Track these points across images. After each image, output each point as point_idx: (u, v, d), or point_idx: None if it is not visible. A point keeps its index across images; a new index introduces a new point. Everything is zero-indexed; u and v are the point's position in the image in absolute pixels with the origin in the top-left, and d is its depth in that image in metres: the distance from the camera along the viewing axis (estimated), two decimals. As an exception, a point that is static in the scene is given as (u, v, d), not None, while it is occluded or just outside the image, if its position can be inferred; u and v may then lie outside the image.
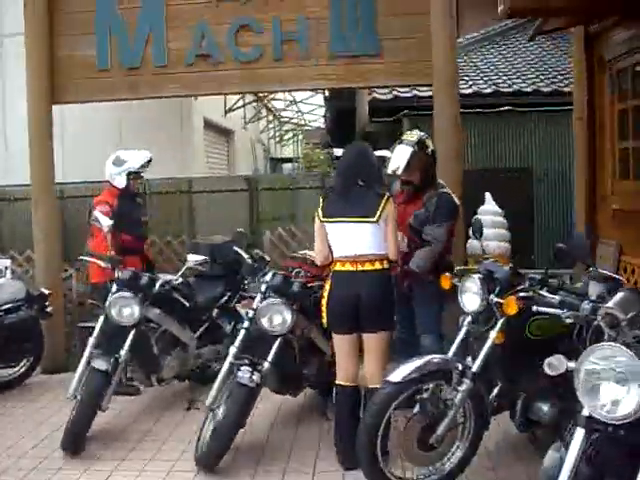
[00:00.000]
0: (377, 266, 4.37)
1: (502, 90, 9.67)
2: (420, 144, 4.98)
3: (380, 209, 4.35)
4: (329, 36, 6.46)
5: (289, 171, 22.37)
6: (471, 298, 4.09)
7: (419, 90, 9.47)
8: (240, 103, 14.22)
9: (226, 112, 13.89)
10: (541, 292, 3.97)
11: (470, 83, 10.13)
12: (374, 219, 4.34)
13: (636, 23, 5.61)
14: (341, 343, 4.50)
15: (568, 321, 3.26)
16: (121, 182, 6.21)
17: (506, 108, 8.69)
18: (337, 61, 6.47)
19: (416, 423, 3.95)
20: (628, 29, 5.74)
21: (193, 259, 5.48)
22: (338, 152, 23.81)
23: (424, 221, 4.90)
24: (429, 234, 4.85)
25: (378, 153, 5.09)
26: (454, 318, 5.85)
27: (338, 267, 4.44)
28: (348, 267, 4.39)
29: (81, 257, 5.72)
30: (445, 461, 4.05)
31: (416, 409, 3.96)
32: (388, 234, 4.41)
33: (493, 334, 4.00)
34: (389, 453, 4.09)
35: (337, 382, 4.54)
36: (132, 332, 5.05)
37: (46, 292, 6.32)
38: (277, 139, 23.12)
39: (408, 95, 9.67)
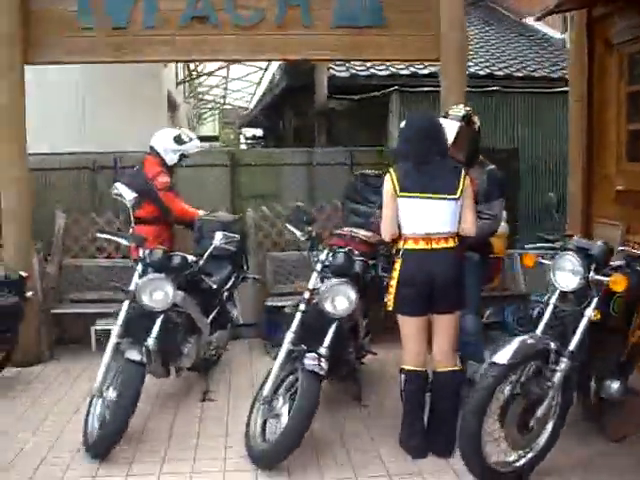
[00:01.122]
0: (450, 243, 4.15)
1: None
2: (467, 119, 4.80)
3: (461, 185, 4.14)
4: (334, 4, 6.14)
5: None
6: (566, 276, 3.99)
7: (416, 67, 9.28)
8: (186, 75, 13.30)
9: (178, 84, 12.94)
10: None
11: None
12: (456, 196, 4.11)
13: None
14: (412, 326, 4.21)
15: None
16: (173, 159, 5.94)
17: (494, 88, 8.71)
18: (341, 31, 6.16)
19: (517, 406, 3.84)
20: (636, 14, 5.82)
21: (220, 238, 5.02)
22: (251, 132, 23.20)
23: (476, 198, 4.73)
24: (487, 212, 4.69)
25: None
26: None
27: (410, 245, 4.14)
28: (422, 245, 4.12)
29: (98, 234, 5.10)
30: (539, 440, 3.94)
31: (508, 391, 3.83)
32: (466, 210, 4.19)
33: (589, 312, 3.93)
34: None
35: (406, 367, 4.26)
36: (160, 318, 4.57)
37: (24, 275, 5.60)
38: (196, 117, 22.20)
39: (366, 74, 9.52)
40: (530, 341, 3.88)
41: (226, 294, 5.59)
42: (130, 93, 8.74)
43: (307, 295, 4.38)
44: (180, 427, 4.76)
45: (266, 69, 14.54)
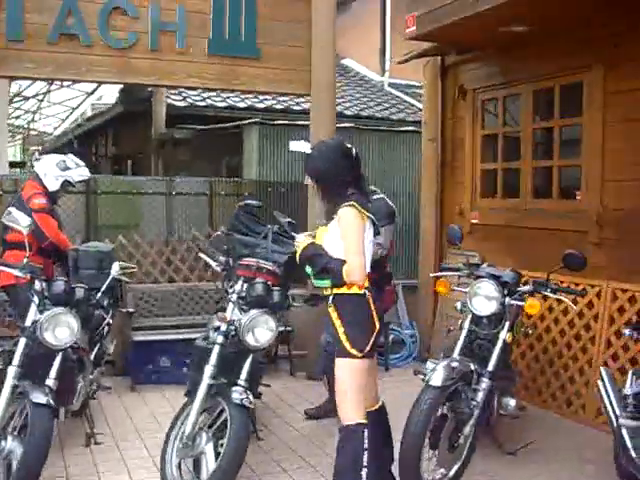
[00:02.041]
0: None
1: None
2: None
3: None
4: (209, 33, 6.09)
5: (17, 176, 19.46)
6: (483, 301, 4.24)
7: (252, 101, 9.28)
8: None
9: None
10: (546, 293, 4.31)
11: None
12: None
13: (498, 58, 6.29)
14: (370, 366, 3.76)
15: None
16: (54, 186, 5.51)
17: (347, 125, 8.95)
18: (216, 60, 6.12)
19: (448, 426, 4.00)
20: (490, 63, 6.40)
21: (117, 268, 4.70)
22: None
23: None
24: (376, 241, 4.75)
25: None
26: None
27: (366, 283, 3.63)
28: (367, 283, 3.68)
29: (-15, 266, 4.47)
30: (462, 456, 4.13)
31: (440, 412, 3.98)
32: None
33: (504, 334, 4.22)
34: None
35: (363, 421, 3.54)
36: (59, 356, 4.17)
37: None
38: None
39: (203, 104, 9.46)
40: (454, 364, 4.07)
41: (106, 329, 5.22)
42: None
43: (225, 327, 4.24)
44: (77, 476, 4.34)
45: (91, 93, 13.81)
